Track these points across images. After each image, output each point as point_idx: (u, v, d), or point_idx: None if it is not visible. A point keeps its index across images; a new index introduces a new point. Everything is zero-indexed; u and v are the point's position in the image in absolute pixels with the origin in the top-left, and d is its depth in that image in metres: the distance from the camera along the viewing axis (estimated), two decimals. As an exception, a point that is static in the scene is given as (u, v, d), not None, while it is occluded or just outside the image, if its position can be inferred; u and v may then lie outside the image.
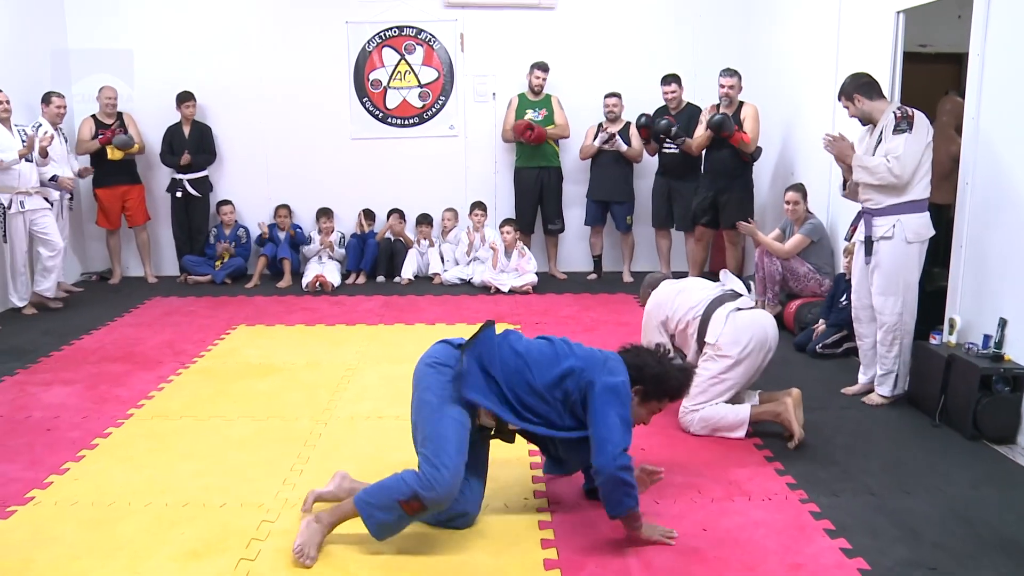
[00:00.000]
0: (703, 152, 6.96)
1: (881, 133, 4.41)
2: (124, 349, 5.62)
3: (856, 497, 3.48)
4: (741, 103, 6.71)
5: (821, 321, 5.50)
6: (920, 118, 4.34)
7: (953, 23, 5.54)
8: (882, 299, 4.49)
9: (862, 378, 4.80)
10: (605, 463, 2.97)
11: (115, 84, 7.62)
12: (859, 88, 4.48)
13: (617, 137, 7.54)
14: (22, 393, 4.76)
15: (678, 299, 4.27)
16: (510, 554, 3.02)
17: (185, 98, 7.69)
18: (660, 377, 3.24)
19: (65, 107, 6.98)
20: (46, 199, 6.65)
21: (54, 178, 6.78)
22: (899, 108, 4.38)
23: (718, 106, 6.76)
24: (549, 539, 3.13)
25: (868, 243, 4.50)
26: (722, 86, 6.63)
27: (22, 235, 6.47)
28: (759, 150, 6.76)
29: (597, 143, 7.60)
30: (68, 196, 7.16)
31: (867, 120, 4.51)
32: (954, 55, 6.46)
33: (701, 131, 6.80)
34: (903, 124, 4.31)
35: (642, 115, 7.34)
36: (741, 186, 6.83)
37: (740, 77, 6.66)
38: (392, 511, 2.94)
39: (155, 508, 3.37)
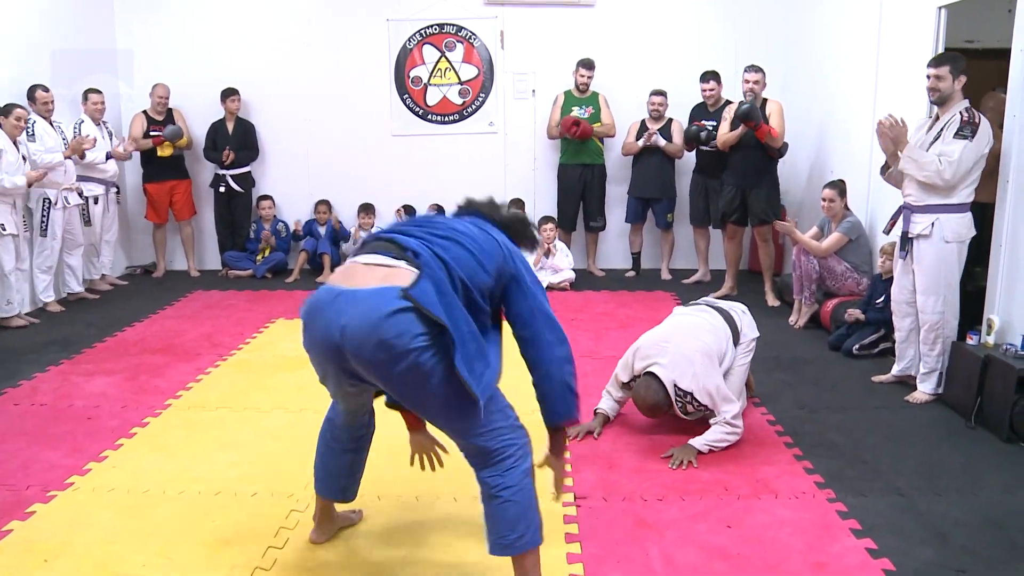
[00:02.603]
0: (728, 149, 6.86)
1: (942, 130, 4.35)
2: (164, 341, 5.74)
3: (885, 497, 3.43)
4: (765, 99, 6.63)
5: (859, 312, 5.38)
6: (984, 126, 4.26)
7: (1003, 18, 5.42)
8: (923, 298, 4.47)
9: (894, 368, 4.80)
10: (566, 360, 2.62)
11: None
12: (965, 71, 4.37)
13: (656, 134, 7.51)
14: (66, 383, 4.89)
15: (704, 345, 3.94)
16: (533, 547, 3.03)
17: (230, 93, 7.82)
18: (524, 229, 2.84)
19: (103, 103, 7.09)
20: (80, 194, 6.78)
21: (108, 156, 7.03)
22: (967, 110, 4.29)
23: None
24: (573, 533, 3.14)
25: (904, 239, 4.48)
26: (746, 81, 6.57)
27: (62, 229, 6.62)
28: (786, 145, 6.69)
29: (641, 143, 7.57)
30: (115, 190, 7.33)
31: (943, 103, 4.37)
32: (1003, 51, 6.29)
33: (726, 128, 6.72)
34: (966, 130, 4.24)
35: (694, 125, 7.28)
36: (768, 182, 6.75)
37: (764, 73, 6.58)
38: (536, 503, 2.58)
39: (188, 496, 3.45)
